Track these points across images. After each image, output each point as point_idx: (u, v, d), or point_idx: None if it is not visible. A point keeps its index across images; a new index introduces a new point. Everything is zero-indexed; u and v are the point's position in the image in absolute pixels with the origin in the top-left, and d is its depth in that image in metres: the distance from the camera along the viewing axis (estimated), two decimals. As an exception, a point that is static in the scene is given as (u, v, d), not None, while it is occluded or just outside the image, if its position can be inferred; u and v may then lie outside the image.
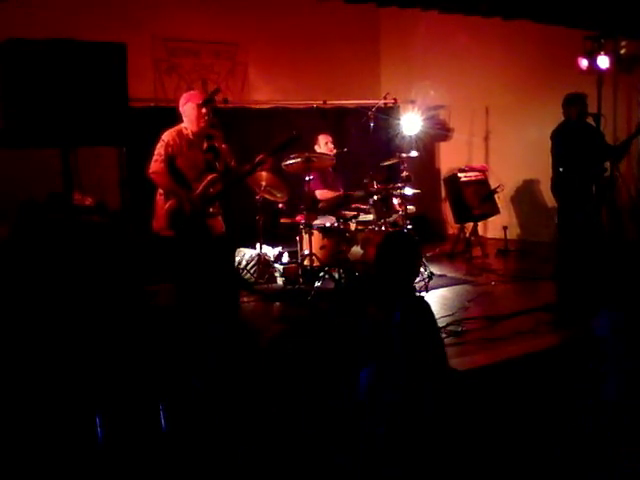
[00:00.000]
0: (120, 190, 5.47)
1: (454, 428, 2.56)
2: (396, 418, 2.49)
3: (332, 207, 5.79)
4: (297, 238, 5.82)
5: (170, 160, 4.27)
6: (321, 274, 5.46)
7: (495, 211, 7.69)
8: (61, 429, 3.02)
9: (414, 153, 6.31)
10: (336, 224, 5.60)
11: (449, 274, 6.32)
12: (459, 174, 7.70)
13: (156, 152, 4.29)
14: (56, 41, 3.09)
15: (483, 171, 7.92)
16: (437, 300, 5.29)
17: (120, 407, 3.15)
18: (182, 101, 4.40)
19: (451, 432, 2.54)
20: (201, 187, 4.26)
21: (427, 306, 2.80)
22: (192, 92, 4.58)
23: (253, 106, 7.91)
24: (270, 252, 6.30)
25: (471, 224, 7.55)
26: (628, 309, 2.56)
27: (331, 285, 5.44)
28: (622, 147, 5.88)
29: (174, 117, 4.47)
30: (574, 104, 5.80)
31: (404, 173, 6.07)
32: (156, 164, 4.26)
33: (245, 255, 6.18)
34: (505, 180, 7.68)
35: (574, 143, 5.74)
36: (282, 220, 6.13)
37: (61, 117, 3.08)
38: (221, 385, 3.44)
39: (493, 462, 2.84)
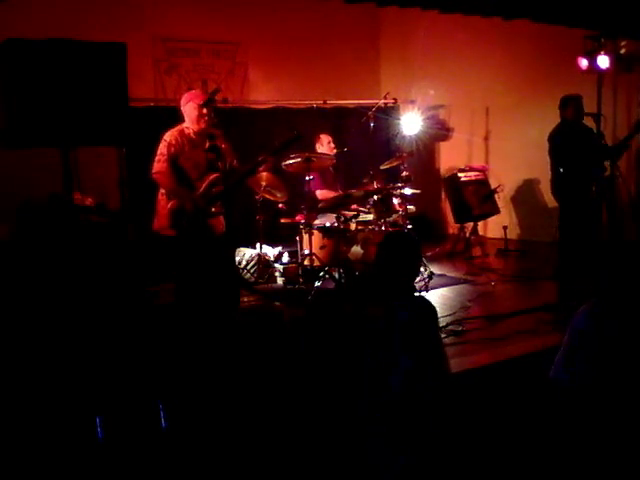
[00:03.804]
0: (120, 190, 5.47)
1: (454, 427, 2.57)
2: (397, 417, 2.50)
3: (332, 207, 5.79)
4: (297, 238, 5.82)
5: (173, 160, 4.27)
6: (321, 274, 5.46)
7: (495, 211, 7.69)
8: (61, 428, 3.02)
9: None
10: (336, 224, 5.60)
11: (449, 274, 6.32)
12: (459, 174, 7.70)
13: (158, 152, 4.28)
14: (56, 41, 3.09)
15: (483, 171, 7.92)
16: (437, 300, 5.29)
17: (120, 406, 3.15)
18: (183, 101, 4.40)
19: (451, 431, 2.54)
20: (203, 186, 4.25)
21: (432, 305, 2.80)
22: (193, 92, 4.57)
23: (253, 106, 7.90)
24: (270, 252, 6.30)
25: (471, 224, 7.56)
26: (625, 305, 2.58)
27: (331, 285, 5.45)
28: (620, 145, 5.87)
29: (174, 117, 4.46)
30: (570, 105, 5.80)
31: (404, 173, 6.07)
32: (159, 164, 4.26)
33: (245, 255, 6.18)
34: (505, 180, 7.68)
35: (572, 144, 5.74)
36: (282, 220, 6.13)
37: (61, 117, 3.08)
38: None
39: (492, 462, 2.84)
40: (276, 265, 6.18)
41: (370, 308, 4.53)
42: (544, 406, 2.77)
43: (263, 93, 8.27)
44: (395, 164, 6.25)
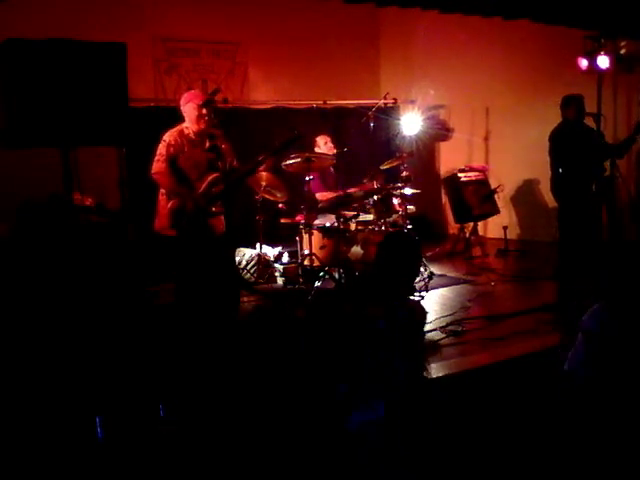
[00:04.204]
0: (120, 190, 5.47)
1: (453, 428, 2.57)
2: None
3: (332, 207, 5.79)
4: (297, 238, 5.82)
5: (172, 160, 4.27)
6: (321, 274, 5.46)
7: (495, 211, 7.69)
8: (61, 428, 3.02)
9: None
10: (336, 224, 5.60)
11: (449, 274, 6.32)
12: (459, 174, 7.70)
13: (158, 152, 4.29)
14: (56, 41, 3.09)
15: (483, 171, 7.92)
16: (437, 300, 5.29)
17: (120, 406, 3.15)
18: (183, 101, 4.40)
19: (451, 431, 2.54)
20: (203, 186, 4.26)
21: (418, 312, 2.81)
22: (193, 92, 4.58)
23: (253, 106, 7.91)
24: (270, 252, 6.30)
25: (471, 224, 7.56)
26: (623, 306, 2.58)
27: (331, 285, 5.45)
28: (625, 143, 5.87)
29: (174, 117, 4.46)
30: (571, 105, 5.81)
31: (404, 173, 6.07)
32: (158, 164, 4.26)
33: (245, 255, 6.18)
34: (505, 180, 7.68)
35: (574, 144, 5.75)
36: (282, 220, 6.14)
37: (61, 117, 3.08)
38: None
39: (491, 463, 2.84)
40: (276, 265, 6.18)
41: (370, 308, 4.54)
42: (546, 405, 2.77)
43: (263, 93, 8.27)
44: (395, 164, 6.25)
